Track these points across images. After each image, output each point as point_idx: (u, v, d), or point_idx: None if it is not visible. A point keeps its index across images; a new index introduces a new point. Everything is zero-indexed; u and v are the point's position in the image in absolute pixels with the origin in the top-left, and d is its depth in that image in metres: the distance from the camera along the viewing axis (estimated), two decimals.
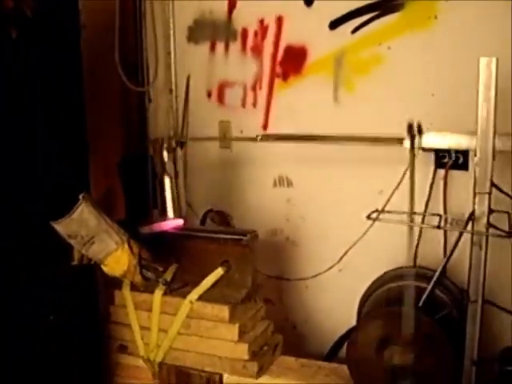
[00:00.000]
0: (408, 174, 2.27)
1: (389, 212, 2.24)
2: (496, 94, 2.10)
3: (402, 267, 2.59)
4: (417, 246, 2.71)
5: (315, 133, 3.01)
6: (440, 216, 2.28)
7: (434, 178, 2.68)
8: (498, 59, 2.07)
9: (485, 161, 2.11)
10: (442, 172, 2.72)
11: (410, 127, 2.18)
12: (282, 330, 3.30)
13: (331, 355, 3.09)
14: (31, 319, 2.17)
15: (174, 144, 2.83)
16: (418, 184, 2.39)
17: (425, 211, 2.62)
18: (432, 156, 2.73)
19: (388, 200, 2.45)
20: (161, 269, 2.25)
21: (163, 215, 2.75)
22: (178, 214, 2.81)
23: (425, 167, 2.72)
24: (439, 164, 2.72)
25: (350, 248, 2.94)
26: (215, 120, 3.37)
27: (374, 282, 2.60)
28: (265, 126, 3.26)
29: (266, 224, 3.34)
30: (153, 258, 2.21)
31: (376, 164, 2.82)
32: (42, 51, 2.43)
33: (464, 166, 2.67)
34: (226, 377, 2.44)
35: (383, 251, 2.85)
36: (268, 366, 2.48)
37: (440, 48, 2.74)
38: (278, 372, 2.47)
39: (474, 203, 2.14)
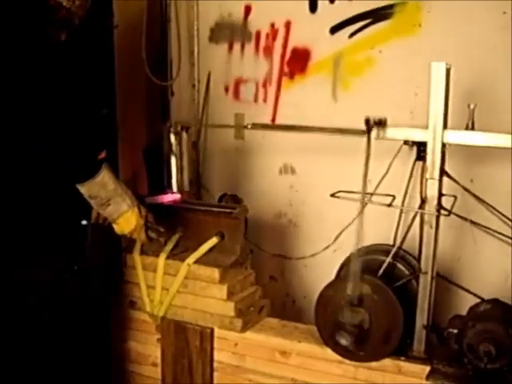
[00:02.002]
0: (408, 171, 2.63)
1: (352, 192, 2.56)
2: (447, 94, 2.43)
3: (378, 244, 2.87)
4: (397, 227, 2.95)
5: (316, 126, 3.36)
6: (393, 197, 2.59)
7: (412, 169, 2.95)
8: (448, 64, 2.40)
9: (434, 151, 2.43)
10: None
11: (367, 121, 2.49)
12: (283, 304, 3.70)
13: None
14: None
15: (179, 128, 3.18)
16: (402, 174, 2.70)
17: (404, 197, 2.88)
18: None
19: (375, 186, 2.71)
20: (162, 230, 2.65)
21: (167, 189, 3.15)
22: (181, 187, 3.20)
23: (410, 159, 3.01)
24: (419, 157, 3.02)
25: (343, 230, 3.07)
26: (231, 112, 3.74)
27: (348, 257, 2.90)
28: (273, 119, 3.64)
29: (272, 208, 3.71)
30: (156, 222, 2.62)
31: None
32: (84, 49, 2.86)
33: None
34: (216, 330, 2.79)
35: (373, 233, 3.04)
36: (253, 324, 2.83)
37: (423, 52, 3.04)
38: (260, 329, 2.82)
39: (425, 188, 2.45)
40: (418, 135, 2.48)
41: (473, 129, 2.43)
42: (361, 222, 2.41)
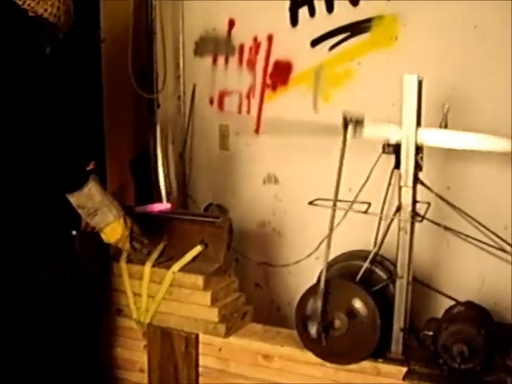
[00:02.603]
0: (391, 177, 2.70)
1: (329, 200, 2.65)
2: (420, 105, 2.53)
3: (358, 250, 2.96)
4: (376, 234, 3.03)
5: (298, 137, 3.47)
6: (369, 204, 2.68)
7: (391, 177, 3.02)
8: (420, 76, 2.50)
9: (408, 160, 2.52)
10: None
11: (344, 119, 2.59)
12: (269, 311, 3.78)
13: None
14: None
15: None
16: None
17: (383, 204, 2.96)
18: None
19: (359, 192, 2.81)
20: (146, 241, 2.74)
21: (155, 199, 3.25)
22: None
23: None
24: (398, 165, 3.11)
25: (325, 238, 3.19)
26: (216, 124, 3.84)
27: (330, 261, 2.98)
28: (257, 130, 3.74)
29: (257, 217, 3.80)
30: (141, 233, 2.71)
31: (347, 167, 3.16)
32: (69, 62, 2.95)
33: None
34: (201, 336, 2.88)
35: (355, 239, 3.10)
36: (236, 330, 2.91)
37: (399, 64, 3.15)
38: (244, 334, 2.90)
39: (400, 195, 2.55)
40: (392, 133, 2.56)
41: (446, 127, 2.54)
42: (332, 227, 2.48)
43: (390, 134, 2.59)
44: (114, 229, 2.58)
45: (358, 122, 2.59)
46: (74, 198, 2.48)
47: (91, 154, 2.81)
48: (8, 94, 2.24)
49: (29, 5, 2.39)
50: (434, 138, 2.54)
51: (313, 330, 2.56)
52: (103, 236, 2.62)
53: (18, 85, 2.25)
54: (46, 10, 2.43)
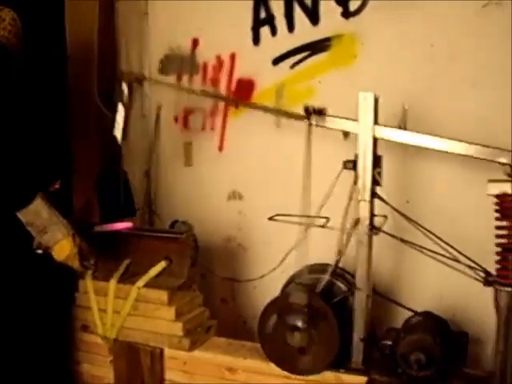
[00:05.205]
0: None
1: (289, 215, 2.72)
2: (376, 120, 2.61)
3: (320, 264, 3.02)
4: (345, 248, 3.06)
5: (261, 153, 3.54)
6: (327, 218, 2.76)
7: (351, 192, 3.06)
8: (375, 94, 2.59)
9: (365, 175, 2.61)
10: None
11: (306, 109, 2.73)
12: (235, 326, 3.82)
13: None
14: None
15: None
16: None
17: (344, 218, 3.01)
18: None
19: (321, 208, 2.88)
20: (92, 261, 2.78)
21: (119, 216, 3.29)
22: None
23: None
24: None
25: (289, 253, 3.18)
26: (180, 141, 3.90)
27: (293, 275, 3.06)
28: (220, 147, 3.79)
29: (222, 232, 3.84)
30: (91, 251, 2.76)
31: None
32: (33, 80, 2.98)
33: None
34: (166, 350, 2.92)
35: (317, 254, 3.08)
36: (201, 344, 2.96)
37: (359, 81, 3.24)
38: (208, 347, 2.95)
39: (358, 209, 2.63)
40: (351, 126, 2.69)
41: (405, 129, 2.62)
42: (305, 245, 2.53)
43: (349, 125, 2.72)
44: (62, 246, 2.65)
45: (321, 113, 2.74)
46: (21, 215, 2.55)
47: (57, 173, 2.84)
48: None
49: None
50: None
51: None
52: (53, 254, 2.67)
53: None
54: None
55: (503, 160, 2.42)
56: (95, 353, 3.10)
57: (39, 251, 2.63)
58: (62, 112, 3.68)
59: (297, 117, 2.73)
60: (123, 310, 2.94)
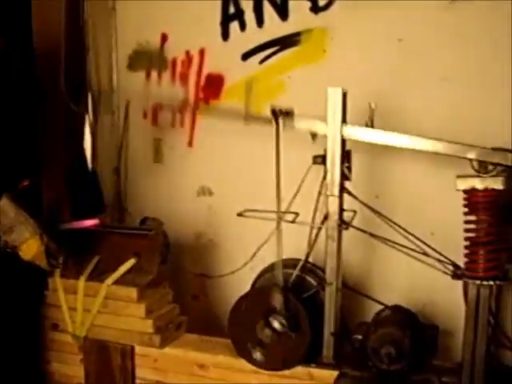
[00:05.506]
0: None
1: (259, 211, 2.72)
2: (344, 116, 2.61)
3: (289, 259, 3.02)
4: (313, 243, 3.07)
5: (230, 149, 3.53)
6: (296, 214, 2.75)
7: (321, 187, 3.06)
8: (343, 89, 2.59)
9: (334, 170, 2.61)
10: None
11: (273, 111, 2.68)
12: (206, 322, 3.81)
13: None
14: None
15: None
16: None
17: (314, 213, 3.01)
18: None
19: (291, 202, 2.86)
20: (61, 260, 2.78)
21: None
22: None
23: None
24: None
25: (259, 248, 3.19)
26: (150, 137, 3.86)
27: (262, 270, 3.05)
28: (190, 143, 3.77)
29: (192, 228, 3.82)
30: (58, 249, 2.74)
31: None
32: None
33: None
34: (137, 348, 2.90)
35: (288, 249, 3.04)
36: (172, 340, 2.95)
37: (328, 76, 3.23)
38: (179, 344, 2.94)
39: (327, 204, 2.63)
40: (320, 127, 2.67)
41: (372, 126, 2.62)
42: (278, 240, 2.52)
43: (317, 126, 2.69)
44: (29, 246, 2.64)
45: (288, 114, 2.69)
46: None
47: (26, 171, 2.81)
48: None
49: None
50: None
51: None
52: (20, 253, 2.66)
53: None
54: None
55: (471, 156, 2.42)
56: (65, 351, 3.09)
57: (8, 250, 2.57)
58: (29, 110, 3.62)
59: (264, 119, 2.68)
60: (93, 307, 2.92)
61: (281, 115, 2.58)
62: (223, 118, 3.57)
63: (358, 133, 2.62)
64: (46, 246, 2.60)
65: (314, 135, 2.63)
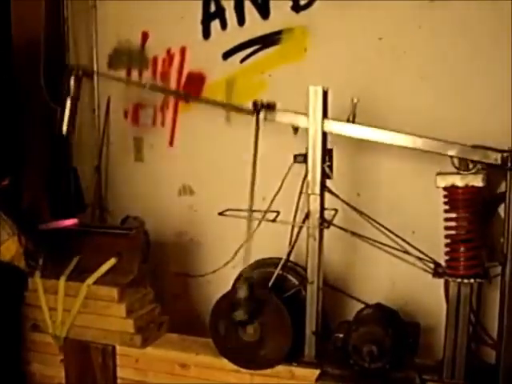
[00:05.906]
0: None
1: (239, 210, 2.71)
2: (326, 113, 2.61)
3: (271, 258, 3.02)
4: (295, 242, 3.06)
5: (212, 148, 3.52)
6: (277, 212, 2.75)
7: (302, 186, 3.04)
8: (324, 87, 2.59)
9: (315, 169, 2.60)
10: None
11: (254, 103, 2.72)
12: (188, 321, 3.79)
13: None
14: None
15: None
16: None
17: (295, 212, 3.01)
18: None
19: (271, 202, 2.91)
20: (40, 260, 2.78)
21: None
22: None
23: None
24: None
25: (241, 247, 3.13)
26: (130, 136, 3.85)
27: (243, 270, 3.05)
28: (171, 142, 3.76)
29: (174, 227, 3.81)
30: (36, 250, 2.72)
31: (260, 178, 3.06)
32: None
33: None
34: (118, 348, 2.88)
35: (269, 248, 3.13)
36: (153, 340, 2.94)
37: (309, 74, 3.24)
38: (160, 344, 2.93)
39: (308, 203, 2.62)
40: (301, 120, 2.67)
41: (353, 122, 2.62)
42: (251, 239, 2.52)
43: (298, 119, 2.69)
44: (8, 247, 2.63)
45: (270, 107, 2.71)
46: None
47: (6, 170, 2.76)
48: None
49: None
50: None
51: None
52: None
53: None
54: None
55: (451, 153, 2.43)
56: (46, 352, 3.06)
57: None
58: (9, 109, 3.60)
59: (245, 111, 2.67)
60: (73, 308, 2.90)
61: (262, 108, 2.55)
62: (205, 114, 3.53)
63: (339, 127, 2.60)
64: (25, 247, 2.56)
65: (295, 129, 2.60)
